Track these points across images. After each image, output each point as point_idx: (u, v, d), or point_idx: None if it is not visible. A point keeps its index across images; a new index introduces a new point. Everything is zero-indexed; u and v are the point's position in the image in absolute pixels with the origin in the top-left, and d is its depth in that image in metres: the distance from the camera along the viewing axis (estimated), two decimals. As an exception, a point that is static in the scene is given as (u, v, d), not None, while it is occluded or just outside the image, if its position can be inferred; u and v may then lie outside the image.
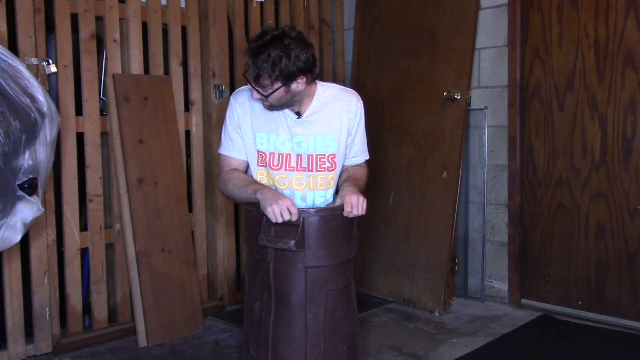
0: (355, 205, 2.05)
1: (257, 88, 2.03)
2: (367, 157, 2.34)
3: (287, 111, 2.14)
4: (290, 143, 2.17)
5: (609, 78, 3.00)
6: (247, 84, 2.10)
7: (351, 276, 2.16)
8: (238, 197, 2.14)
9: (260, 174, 2.19)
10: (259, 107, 2.15)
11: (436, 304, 3.25)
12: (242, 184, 2.12)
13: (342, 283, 2.10)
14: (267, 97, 2.04)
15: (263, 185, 2.11)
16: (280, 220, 1.95)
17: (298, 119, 2.15)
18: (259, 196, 2.02)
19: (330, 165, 2.22)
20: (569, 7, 3.11)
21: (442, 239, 3.28)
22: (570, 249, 3.17)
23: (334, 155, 2.21)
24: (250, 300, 2.24)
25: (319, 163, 2.20)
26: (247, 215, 2.22)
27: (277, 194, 2.02)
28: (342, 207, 2.09)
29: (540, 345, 2.78)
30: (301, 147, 2.17)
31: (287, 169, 2.19)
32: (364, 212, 2.10)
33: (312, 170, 2.20)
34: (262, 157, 2.18)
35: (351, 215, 2.06)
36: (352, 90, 2.28)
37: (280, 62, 1.95)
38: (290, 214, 1.96)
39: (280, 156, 2.18)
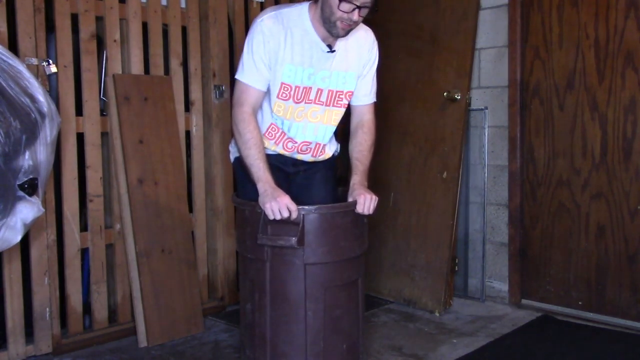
0: (368, 205, 2.12)
1: (366, 4, 2.06)
2: (374, 100, 2.38)
3: (321, 43, 2.15)
4: (314, 77, 2.18)
5: (609, 78, 3.00)
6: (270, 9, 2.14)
7: (355, 274, 2.16)
8: (242, 156, 2.15)
9: (278, 106, 2.19)
10: (295, 37, 2.12)
11: (436, 304, 3.25)
12: (252, 153, 2.10)
13: (342, 280, 2.10)
14: (375, 9, 2.08)
15: (266, 174, 2.08)
16: (277, 217, 1.97)
17: (329, 52, 2.16)
18: (259, 187, 2.05)
19: (346, 102, 2.28)
20: (569, 7, 3.11)
21: (442, 239, 3.28)
22: (570, 249, 3.17)
23: (351, 92, 2.27)
24: (242, 302, 2.24)
25: (336, 99, 2.26)
26: (239, 215, 2.22)
27: (276, 190, 2.03)
28: (342, 206, 2.10)
29: (540, 345, 2.78)
30: (324, 81, 2.21)
31: (307, 101, 2.22)
32: (370, 212, 2.12)
33: (329, 105, 2.25)
34: (286, 90, 2.17)
35: (364, 213, 2.12)
36: (369, 28, 2.33)
37: None
38: (289, 211, 1.98)
39: (304, 90, 2.20)
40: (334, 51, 2.17)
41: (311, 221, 2.01)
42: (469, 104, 3.36)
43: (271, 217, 1.98)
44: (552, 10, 3.17)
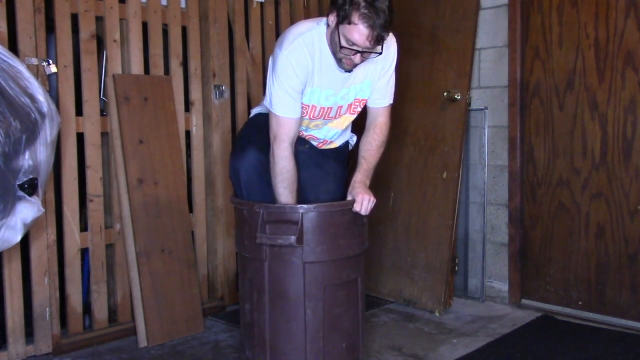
0: (365, 206, 2.14)
1: (372, 50, 2.04)
2: (391, 101, 2.38)
3: (334, 66, 2.16)
4: (334, 97, 2.24)
5: (609, 78, 3.00)
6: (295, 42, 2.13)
7: (354, 273, 2.17)
8: (275, 190, 2.19)
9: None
10: (316, 61, 2.14)
11: (436, 304, 3.25)
12: (285, 193, 2.16)
13: (340, 279, 2.10)
14: (380, 53, 2.07)
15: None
16: None
17: (346, 72, 2.17)
18: None
19: (360, 109, 2.34)
20: (569, 7, 3.11)
21: (442, 239, 3.28)
22: (570, 249, 3.17)
23: (366, 99, 2.32)
24: (242, 302, 2.25)
25: (353, 108, 2.33)
26: (237, 214, 2.22)
27: None
28: (340, 204, 2.10)
29: (540, 345, 2.78)
30: (344, 99, 2.27)
31: (325, 118, 2.30)
32: (366, 213, 2.13)
33: (346, 113, 2.33)
34: (304, 109, 2.23)
35: (360, 213, 2.14)
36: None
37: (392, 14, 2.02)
38: None
39: (322, 109, 2.26)
40: (351, 71, 2.17)
41: (310, 219, 2.02)
42: (469, 104, 3.36)
43: None
44: (552, 10, 3.17)
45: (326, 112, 2.27)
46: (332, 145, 2.48)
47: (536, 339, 2.86)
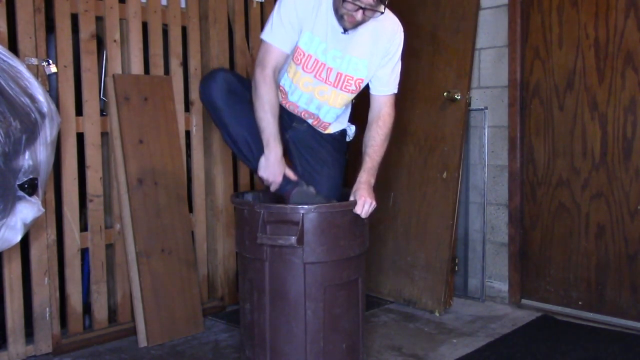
0: (366, 210, 2.14)
1: (375, 8, 2.07)
2: (395, 91, 2.37)
3: (335, 22, 2.16)
4: (327, 54, 2.20)
5: (609, 78, 3.00)
6: None
7: (355, 273, 2.17)
8: (255, 115, 2.16)
9: (290, 67, 2.24)
10: (321, 10, 2.16)
11: (436, 304, 3.25)
12: (267, 117, 2.12)
13: (341, 279, 2.10)
14: (382, 12, 2.09)
15: (276, 142, 2.14)
16: (269, 184, 2.17)
17: (342, 33, 2.17)
18: (266, 153, 2.15)
19: (354, 88, 2.28)
20: (569, 7, 3.11)
21: (442, 239, 3.28)
22: (570, 249, 3.17)
23: (362, 80, 2.27)
24: (242, 302, 2.25)
25: (345, 83, 2.26)
26: (237, 214, 2.22)
27: (275, 165, 2.15)
28: (341, 205, 2.10)
29: (540, 345, 2.78)
30: (335, 61, 2.22)
31: (317, 76, 2.24)
32: (365, 216, 2.14)
33: (337, 87, 2.26)
34: (299, 55, 2.21)
35: (362, 216, 2.14)
36: (396, 18, 2.31)
37: None
38: (274, 184, 2.17)
39: (316, 62, 2.22)
40: (347, 33, 2.17)
41: (310, 220, 2.02)
42: (469, 104, 3.36)
43: (266, 182, 2.18)
44: (552, 10, 3.17)
45: (319, 69, 2.23)
46: (328, 130, 2.43)
47: (536, 339, 2.86)
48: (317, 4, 2.16)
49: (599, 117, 3.05)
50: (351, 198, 2.18)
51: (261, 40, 2.21)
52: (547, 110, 3.22)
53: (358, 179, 2.25)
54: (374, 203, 2.17)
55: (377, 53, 2.25)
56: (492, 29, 3.36)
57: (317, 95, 2.28)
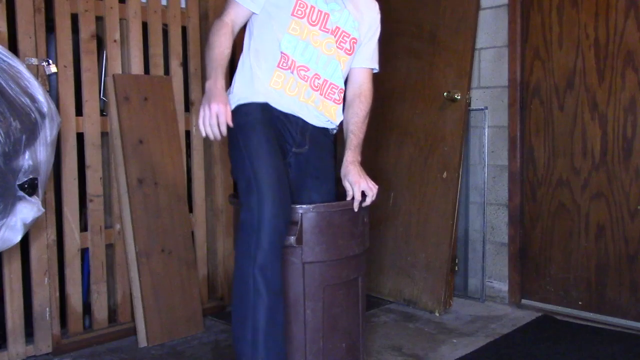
0: (373, 193, 2.09)
1: None
2: (377, 68, 2.30)
3: None
4: (327, 4, 2.09)
5: (609, 78, 3.00)
6: None
7: (354, 273, 2.16)
8: (206, 57, 2.02)
9: (295, 24, 2.06)
10: None
11: (436, 304, 3.25)
12: (214, 55, 1.97)
13: (340, 279, 2.10)
14: None
15: (217, 73, 1.95)
16: (204, 134, 1.86)
17: None
18: (206, 85, 1.93)
19: (349, 48, 2.16)
20: (569, 7, 3.11)
21: (442, 239, 3.28)
22: (570, 249, 3.17)
23: (355, 40, 2.16)
24: None
25: (342, 39, 2.13)
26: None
27: (217, 93, 1.89)
28: (340, 204, 2.09)
29: (540, 345, 2.78)
30: (334, 14, 2.10)
31: (322, 28, 2.09)
32: (373, 198, 2.12)
33: (336, 42, 2.12)
34: (302, 7, 2.05)
35: (364, 204, 2.09)
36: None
37: None
38: (219, 124, 1.85)
39: (319, 13, 2.08)
40: None
41: (309, 220, 2.02)
42: (469, 104, 3.36)
43: (200, 128, 1.87)
44: (552, 10, 3.17)
45: (323, 20, 2.09)
46: (331, 117, 2.21)
47: (536, 339, 2.86)
48: None
49: (599, 117, 3.05)
50: (345, 182, 2.15)
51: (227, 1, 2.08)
52: (547, 110, 3.22)
53: (345, 158, 2.16)
54: (373, 185, 2.11)
55: (365, 22, 2.19)
56: (492, 29, 3.36)
57: (325, 49, 2.10)
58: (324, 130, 2.24)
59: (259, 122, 2.03)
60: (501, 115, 3.35)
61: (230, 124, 1.88)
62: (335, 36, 2.11)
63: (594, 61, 3.05)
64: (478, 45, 3.39)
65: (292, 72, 2.08)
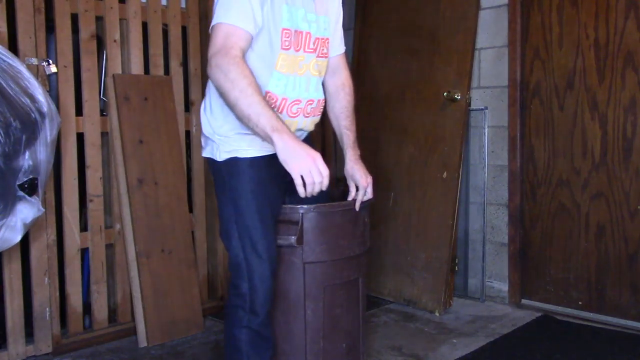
0: (369, 192, 2.05)
1: None
2: (344, 48, 2.14)
3: None
4: (306, 19, 1.86)
5: (609, 78, 3.00)
6: None
7: (355, 273, 2.16)
8: (239, 111, 1.66)
9: (282, 60, 1.81)
10: None
11: (436, 304, 3.25)
12: (257, 101, 1.63)
13: (341, 279, 2.10)
14: None
15: (281, 121, 1.65)
16: (315, 191, 1.65)
17: None
18: (276, 140, 1.62)
19: (326, 51, 1.97)
20: (569, 7, 3.11)
21: (442, 239, 3.28)
22: (570, 249, 3.17)
23: (328, 39, 1.98)
24: None
25: (321, 48, 1.94)
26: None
27: (300, 145, 1.64)
28: (340, 204, 2.09)
29: (540, 345, 2.78)
30: (311, 26, 1.88)
31: (306, 49, 1.87)
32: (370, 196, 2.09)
33: (319, 55, 1.94)
34: (288, 37, 1.80)
35: (366, 197, 2.06)
36: None
37: None
38: (322, 176, 1.63)
39: (299, 35, 1.84)
40: None
41: (310, 220, 2.01)
42: (469, 104, 3.36)
43: (305, 192, 1.64)
44: (552, 10, 3.17)
45: (305, 40, 1.86)
46: (317, 115, 2.03)
47: (536, 339, 2.86)
48: None
49: (599, 117, 3.05)
50: (350, 182, 2.14)
51: (213, 29, 1.75)
52: (547, 110, 3.22)
53: (348, 158, 2.08)
54: (370, 178, 2.08)
55: (332, 12, 2.01)
56: (492, 29, 3.36)
57: (312, 70, 1.91)
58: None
59: (249, 189, 1.86)
60: (501, 115, 3.35)
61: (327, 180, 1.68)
62: (317, 51, 1.93)
63: (594, 61, 3.05)
64: (478, 45, 3.39)
65: (281, 113, 1.87)
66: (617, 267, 3.02)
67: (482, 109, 3.41)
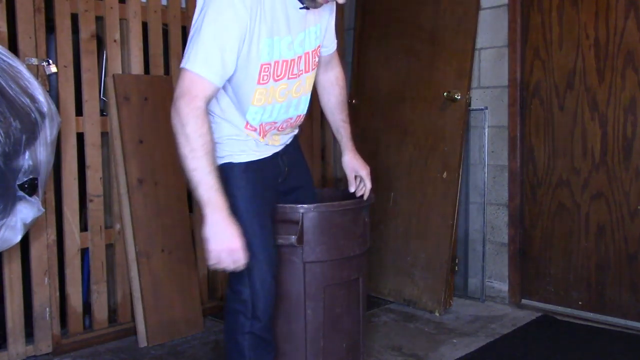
0: (369, 187, 2.09)
1: None
2: (336, 45, 2.10)
3: (288, 4, 1.75)
4: (293, 45, 1.79)
5: (609, 78, 3.00)
6: None
7: (355, 273, 2.16)
8: (185, 167, 1.66)
9: (259, 94, 1.78)
10: (275, 4, 1.72)
11: (436, 304, 3.25)
12: (202, 166, 1.63)
13: (341, 279, 2.10)
14: None
15: (219, 196, 1.66)
16: (219, 268, 1.68)
17: (302, 8, 1.77)
18: (208, 214, 1.65)
19: (317, 59, 1.94)
20: (569, 7, 3.11)
21: (442, 239, 3.28)
22: (570, 249, 3.17)
23: (320, 46, 1.94)
24: None
25: (312, 61, 1.89)
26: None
27: (228, 229, 1.66)
28: (341, 204, 2.09)
29: (540, 345, 2.78)
30: (301, 46, 1.82)
31: (290, 76, 1.82)
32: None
33: (308, 72, 1.88)
34: (266, 71, 1.75)
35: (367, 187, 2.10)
36: None
37: None
38: (232, 266, 1.69)
39: (284, 63, 1.78)
40: (307, 7, 1.78)
41: (310, 219, 2.01)
42: (469, 104, 3.36)
43: (212, 263, 1.67)
44: (552, 10, 3.17)
45: (289, 68, 1.81)
46: (294, 126, 2.02)
47: (536, 339, 2.86)
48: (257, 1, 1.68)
49: (599, 117, 3.05)
50: (351, 174, 2.14)
51: (180, 70, 1.70)
52: (547, 110, 3.22)
53: (348, 149, 2.12)
54: (369, 168, 2.13)
55: (324, 16, 1.94)
56: (492, 29, 3.36)
57: (294, 94, 1.88)
58: (292, 140, 2.10)
59: (245, 195, 1.86)
60: (501, 115, 3.35)
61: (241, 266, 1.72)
62: (307, 68, 1.89)
63: (594, 61, 3.05)
64: (478, 45, 3.39)
65: (257, 136, 1.88)
66: (617, 267, 3.02)
67: (482, 109, 3.41)
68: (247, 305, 1.87)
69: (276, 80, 1.80)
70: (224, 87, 1.80)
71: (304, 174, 2.17)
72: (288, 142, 2.05)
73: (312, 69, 1.91)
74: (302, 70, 1.87)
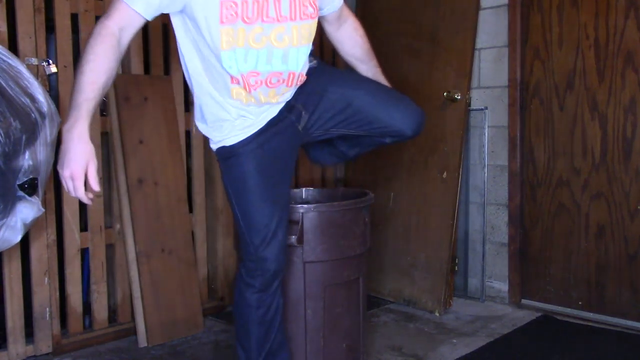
0: None
1: None
2: (342, 1, 2.00)
3: None
4: None
5: (609, 78, 3.00)
6: None
7: (355, 273, 2.16)
8: (77, 73, 1.62)
9: (226, 36, 1.69)
10: None
11: (436, 304, 3.25)
12: (86, 80, 1.58)
13: (341, 278, 2.10)
14: None
15: (81, 113, 1.56)
16: (72, 194, 1.57)
17: None
18: (67, 126, 1.56)
19: (312, 10, 1.79)
20: (569, 7, 3.11)
21: (442, 239, 3.28)
22: (570, 249, 3.17)
23: None
24: None
25: (301, 8, 1.76)
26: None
27: (78, 147, 1.55)
28: (341, 204, 2.09)
29: (540, 345, 2.78)
30: None
31: (264, 19, 1.71)
32: None
33: (294, 19, 1.75)
34: (231, 8, 1.66)
35: None
36: None
37: None
38: (71, 192, 1.58)
39: (255, 3, 1.68)
40: None
41: (310, 219, 2.02)
42: (469, 104, 3.36)
43: (65, 185, 1.58)
44: (552, 10, 3.17)
45: (261, 9, 1.70)
46: (290, 85, 1.88)
47: (536, 339, 2.86)
48: None
49: (599, 117, 3.05)
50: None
51: (114, 2, 1.67)
52: (547, 110, 3.22)
53: (373, 68, 2.10)
54: None
55: None
56: (492, 29, 3.36)
57: (276, 42, 1.74)
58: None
59: (245, 174, 1.87)
60: (501, 115, 3.35)
61: (96, 187, 1.58)
62: (292, 15, 1.75)
63: (594, 61, 3.05)
64: (478, 45, 3.39)
65: (242, 89, 1.81)
66: (617, 267, 3.02)
67: (482, 109, 3.41)
68: (252, 274, 1.90)
69: (247, 23, 1.69)
70: (197, 50, 1.78)
71: (326, 83, 1.96)
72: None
73: (301, 19, 1.76)
74: (284, 17, 1.73)
